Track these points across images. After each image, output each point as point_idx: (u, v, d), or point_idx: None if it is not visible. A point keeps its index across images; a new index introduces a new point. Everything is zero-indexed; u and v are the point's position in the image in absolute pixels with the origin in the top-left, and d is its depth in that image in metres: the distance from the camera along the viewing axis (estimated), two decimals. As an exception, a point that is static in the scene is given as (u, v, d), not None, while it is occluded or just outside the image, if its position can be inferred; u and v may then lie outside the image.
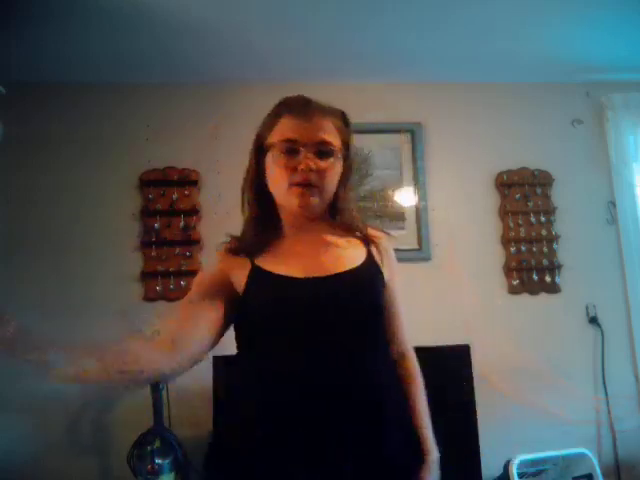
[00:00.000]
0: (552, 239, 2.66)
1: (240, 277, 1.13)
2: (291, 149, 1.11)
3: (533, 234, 2.66)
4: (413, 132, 2.69)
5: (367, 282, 1.15)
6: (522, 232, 2.66)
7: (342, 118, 1.20)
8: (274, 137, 1.14)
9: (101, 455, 2.34)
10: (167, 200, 2.54)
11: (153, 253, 2.49)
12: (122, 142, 2.57)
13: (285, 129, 1.13)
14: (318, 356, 1.05)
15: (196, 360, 1.07)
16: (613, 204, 2.71)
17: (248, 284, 1.12)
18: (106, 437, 2.35)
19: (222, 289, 1.13)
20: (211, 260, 1.25)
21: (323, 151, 1.12)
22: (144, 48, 2.35)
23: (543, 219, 2.68)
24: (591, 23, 2.30)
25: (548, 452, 2.20)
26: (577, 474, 2.20)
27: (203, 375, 2.12)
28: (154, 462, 1.98)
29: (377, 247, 1.21)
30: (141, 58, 2.44)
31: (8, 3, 1.99)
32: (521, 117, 2.76)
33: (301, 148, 1.10)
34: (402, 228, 2.63)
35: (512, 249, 2.64)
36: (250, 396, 1.09)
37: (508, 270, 2.64)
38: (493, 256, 2.66)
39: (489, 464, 2.21)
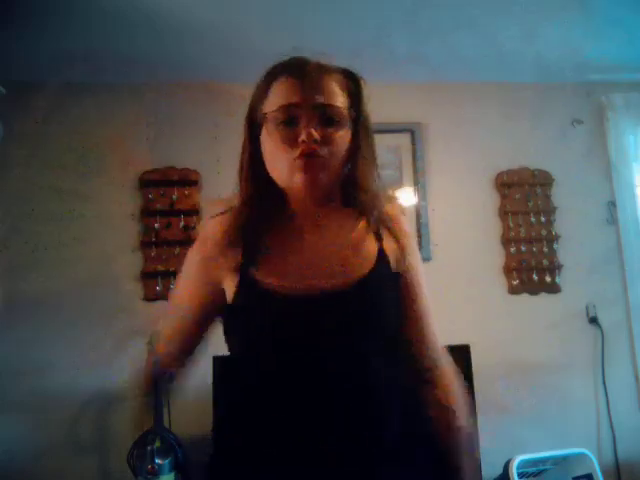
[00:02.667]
0: (552, 239, 2.66)
1: (228, 281, 0.96)
2: (289, 118, 0.92)
3: (533, 234, 2.66)
4: (413, 132, 2.69)
5: (374, 298, 0.95)
6: (522, 232, 2.66)
7: (350, 76, 1.01)
8: (267, 106, 0.95)
9: (101, 455, 2.34)
10: (167, 200, 2.53)
11: (153, 253, 2.49)
12: (122, 142, 2.57)
13: (280, 94, 0.94)
14: (311, 385, 0.89)
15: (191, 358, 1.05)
16: (613, 204, 2.71)
17: (236, 295, 0.94)
18: (106, 437, 2.35)
19: (207, 287, 0.99)
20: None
21: (328, 117, 0.93)
22: (144, 48, 2.35)
23: (543, 219, 2.68)
24: (591, 23, 2.30)
25: (548, 452, 2.20)
26: (577, 474, 2.20)
27: (203, 375, 2.12)
28: (154, 462, 1.98)
29: (393, 233, 1.01)
30: (141, 58, 2.44)
31: (8, 3, 1.99)
32: (521, 117, 2.76)
33: (301, 115, 0.91)
34: (402, 228, 2.63)
35: (512, 249, 2.64)
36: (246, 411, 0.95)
37: (508, 270, 2.63)
38: (493, 256, 2.66)
39: (489, 464, 2.21)
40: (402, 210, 1.11)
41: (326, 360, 0.89)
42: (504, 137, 2.74)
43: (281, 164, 0.93)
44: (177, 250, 2.49)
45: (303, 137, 0.90)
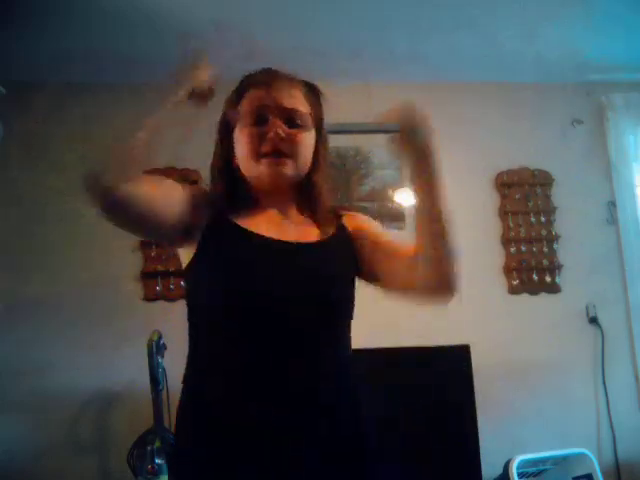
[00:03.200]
0: (552, 239, 2.66)
1: (197, 216, 1.04)
2: (258, 119, 1.04)
3: (533, 234, 2.66)
4: (413, 132, 2.69)
5: (337, 250, 1.07)
6: (522, 232, 2.66)
7: (310, 87, 1.13)
8: (240, 111, 1.08)
9: (101, 455, 2.34)
10: (167, 200, 2.53)
11: (153, 253, 2.49)
12: (122, 142, 2.56)
13: (251, 99, 1.07)
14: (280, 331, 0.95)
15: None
16: (613, 204, 2.71)
17: (207, 232, 1.03)
18: (106, 437, 2.35)
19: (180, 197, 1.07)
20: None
21: (292, 119, 1.05)
22: (144, 48, 2.35)
23: (543, 219, 2.68)
24: (591, 23, 2.30)
25: (548, 452, 2.20)
26: (577, 474, 2.20)
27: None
28: (154, 462, 1.98)
29: (350, 220, 1.13)
30: (141, 58, 2.44)
31: (8, 3, 1.99)
32: (521, 117, 2.76)
33: (268, 116, 1.03)
34: (402, 228, 2.62)
35: (512, 249, 2.64)
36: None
37: (508, 270, 2.64)
38: (493, 256, 2.66)
39: (489, 464, 2.21)
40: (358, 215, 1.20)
41: (299, 305, 0.97)
42: (504, 137, 2.74)
43: (250, 159, 1.04)
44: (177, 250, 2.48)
45: (271, 134, 1.02)
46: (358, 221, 1.15)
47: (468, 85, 2.74)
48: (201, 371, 1.00)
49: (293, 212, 1.10)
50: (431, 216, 1.04)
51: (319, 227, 1.09)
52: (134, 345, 2.14)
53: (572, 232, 2.68)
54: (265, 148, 1.02)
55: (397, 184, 2.66)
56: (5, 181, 2.48)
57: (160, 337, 2.05)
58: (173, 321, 2.39)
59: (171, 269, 2.45)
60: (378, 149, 2.66)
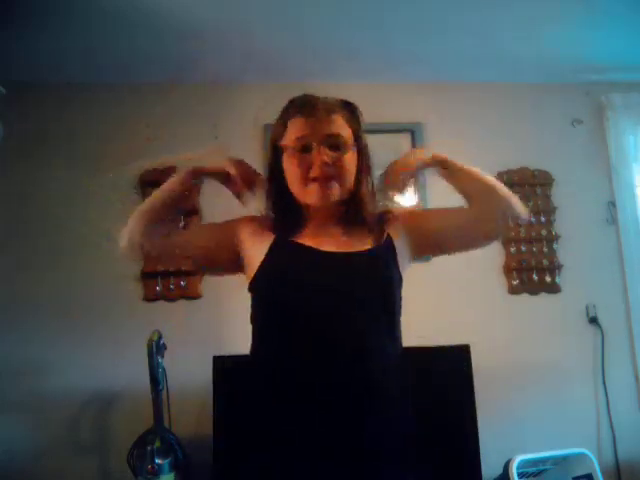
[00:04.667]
0: (552, 239, 2.66)
1: (257, 244, 1.17)
2: (304, 147, 1.13)
3: (533, 234, 2.66)
4: (413, 132, 2.69)
5: (382, 258, 1.17)
6: (522, 232, 2.66)
7: (349, 109, 1.22)
8: (286, 139, 1.17)
9: (101, 455, 2.34)
10: (167, 200, 2.53)
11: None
12: (122, 142, 2.57)
13: (295, 130, 1.15)
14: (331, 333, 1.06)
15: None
16: (613, 204, 2.71)
17: (271, 251, 1.15)
18: (106, 437, 2.35)
19: (222, 238, 1.23)
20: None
21: (335, 144, 1.14)
22: (144, 48, 2.35)
23: (543, 219, 2.68)
24: (591, 23, 2.30)
25: (548, 452, 2.20)
26: (577, 474, 2.20)
27: (203, 375, 2.12)
28: (154, 462, 1.98)
29: (394, 225, 1.25)
30: (141, 58, 2.44)
31: (8, 3, 1.99)
32: (521, 117, 2.76)
33: (313, 144, 1.13)
34: (402, 228, 2.63)
35: (512, 249, 2.64)
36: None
37: (508, 270, 2.63)
38: (493, 256, 2.66)
39: (489, 464, 2.21)
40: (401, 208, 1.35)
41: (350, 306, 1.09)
42: (504, 137, 2.74)
43: (299, 184, 1.15)
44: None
45: (317, 162, 1.12)
46: (406, 213, 1.32)
47: (468, 85, 2.74)
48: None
49: (343, 226, 1.21)
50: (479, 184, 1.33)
51: (368, 236, 1.20)
52: (134, 345, 2.14)
53: (572, 232, 2.68)
54: (313, 174, 1.13)
55: (397, 184, 2.66)
56: (5, 180, 2.48)
57: (160, 337, 2.05)
58: (173, 321, 2.41)
59: (171, 269, 2.45)
60: (378, 149, 2.66)
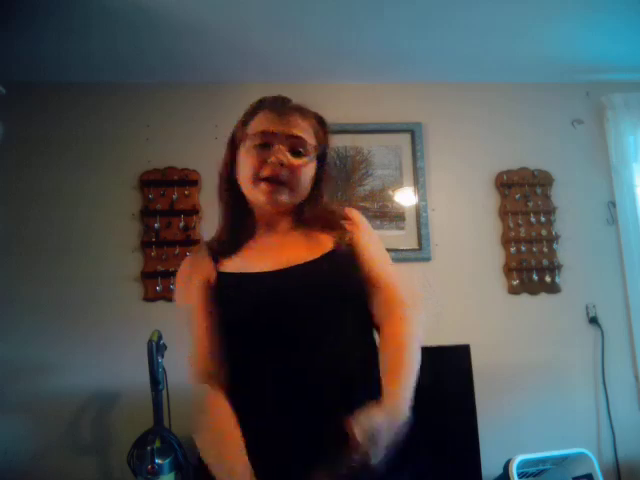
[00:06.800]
0: (552, 239, 2.66)
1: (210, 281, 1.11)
2: (264, 143, 1.09)
3: (533, 234, 2.66)
4: (413, 132, 2.69)
5: (331, 269, 1.09)
6: (522, 232, 2.66)
7: (319, 120, 1.17)
8: (249, 129, 1.12)
9: (101, 455, 2.34)
10: (167, 200, 2.54)
11: (153, 253, 2.49)
12: (122, 142, 2.57)
13: (260, 123, 1.11)
14: (290, 349, 1.02)
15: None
16: (613, 204, 2.71)
17: (219, 290, 1.10)
18: (106, 437, 2.35)
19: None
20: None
21: (296, 148, 1.10)
22: (144, 48, 2.36)
23: (543, 219, 2.68)
24: (591, 23, 2.30)
25: (548, 452, 2.20)
26: (577, 474, 2.20)
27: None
28: (154, 462, 1.98)
29: (349, 226, 1.15)
30: (141, 58, 2.44)
31: (8, 3, 1.99)
32: (521, 117, 2.76)
33: (274, 142, 1.08)
34: (402, 228, 2.63)
35: (512, 249, 2.64)
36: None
37: (508, 270, 2.63)
38: (493, 256, 2.66)
39: (489, 464, 2.21)
40: (357, 214, 1.23)
41: (302, 323, 1.03)
42: (504, 137, 2.74)
43: (250, 180, 1.10)
44: (177, 250, 2.49)
45: (273, 159, 1.07)
46: (355, 238, 1.15)
47: (468, 85, 2.75)
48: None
49: (295, 226, 1.15)
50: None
51: (318, 241, 1.12)
52: (134, 345, 2.14)
53: (572, 232, 2.68)
54: (265, 172, 1.07)
55: (397, 184, 2.66)
56: (5, 180, 2.48)
57: (160, 337, 2.04)
58: (173, 321, 2.39)
59: (171, 269, 2.45)
60: (378, 149, 2.66)
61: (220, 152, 2.96)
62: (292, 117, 1.11)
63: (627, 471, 2.49)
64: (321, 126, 1.17)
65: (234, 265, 1.11)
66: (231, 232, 1.15)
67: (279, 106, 1.13)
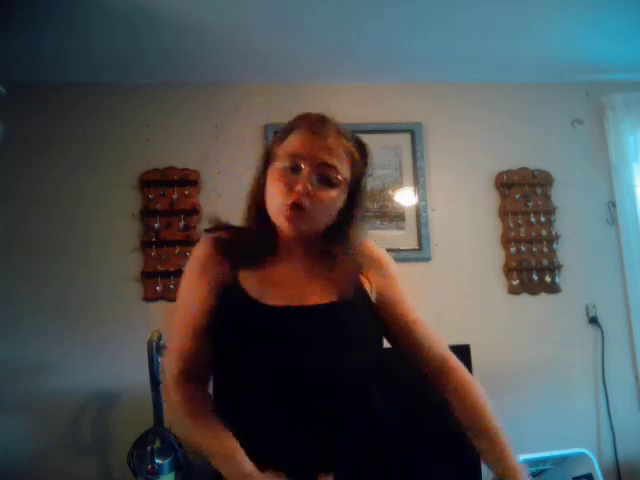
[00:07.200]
0: (552, 239, 2.66)
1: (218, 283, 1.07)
2: (294, 166, 1.03)
3: (533, 234, 2.66)
4: (413, 132, 2.69)
5: (347, 315, 1.05)
6: (522, 232, 2.66)
7: (359, 145, 1.11)
8: (281, 149, 1.06)
9: (101, 455, 2.34)
10: (167, 200, 2.54)
11: (153, 253, 2.49)
12: (122, 142, 2.57)
13: (293, 143, 1.05)
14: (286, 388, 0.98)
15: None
16: (613, 204, 2.71)
17: (222, 297, 1.05)
18: (106, 437, 2.35)
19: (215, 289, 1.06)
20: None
21: (326, 177, 1.03)
22: (144, 48, 2.35)
23: (543, 219, 2.68)
24: (591, 23, 2.30)
25: (548, 452, 2.20)
26: (577, 474, 2.20)
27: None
28: (154, 462, 1.98)
29: (366, 265, 1.12)
30: (141, 58, 2.44)
31: (8, 3, 1.99)
32: (521, 117, 2.76)
33: (303, 166, 1.02)
34: (402, 228, 2.63)
35: (512, 249, 2.64)
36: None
37: (508, 270, 2.63)
38: (493, 256, 2.66)
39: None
40: (382, 252, 1.20)
41: (302, 372, 0.98)
42: (504, 137, 2.74)
43: (275, 203, 1.04)
44: (177, 250, 2.49)
45: (299, 187, 1.01)
46: (379, 278, 1.13)
47: (468, 85, 2.75)
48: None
49: (318, 257, 1.10)
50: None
51: (337, 279, 1.08)
52: (134, 345, 2.14)
53: (572, 232, 2.68)
54: (289, 199, 1.01)
55: (397, 184, 2.66)
56: (5, 180, 2.48)
57: (160, 337, 2.05)
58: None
59: (171, 269, 2.45)
60: (378, 149, 2.66)
61: (220, 152, 2.97)
62: (329, 141, 1.04)
63: (627, 471, 2.49)
64: (360, 152, 1.11)
65: (250, 280, 1.06)
66: (254, 243, 1.10)
67: (318, 127, 1.05)
